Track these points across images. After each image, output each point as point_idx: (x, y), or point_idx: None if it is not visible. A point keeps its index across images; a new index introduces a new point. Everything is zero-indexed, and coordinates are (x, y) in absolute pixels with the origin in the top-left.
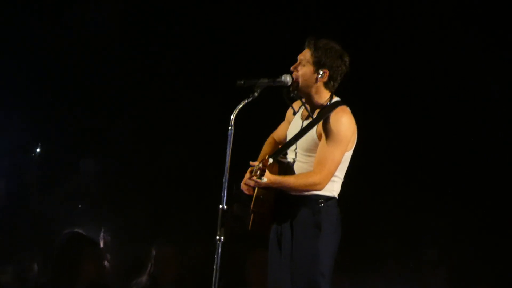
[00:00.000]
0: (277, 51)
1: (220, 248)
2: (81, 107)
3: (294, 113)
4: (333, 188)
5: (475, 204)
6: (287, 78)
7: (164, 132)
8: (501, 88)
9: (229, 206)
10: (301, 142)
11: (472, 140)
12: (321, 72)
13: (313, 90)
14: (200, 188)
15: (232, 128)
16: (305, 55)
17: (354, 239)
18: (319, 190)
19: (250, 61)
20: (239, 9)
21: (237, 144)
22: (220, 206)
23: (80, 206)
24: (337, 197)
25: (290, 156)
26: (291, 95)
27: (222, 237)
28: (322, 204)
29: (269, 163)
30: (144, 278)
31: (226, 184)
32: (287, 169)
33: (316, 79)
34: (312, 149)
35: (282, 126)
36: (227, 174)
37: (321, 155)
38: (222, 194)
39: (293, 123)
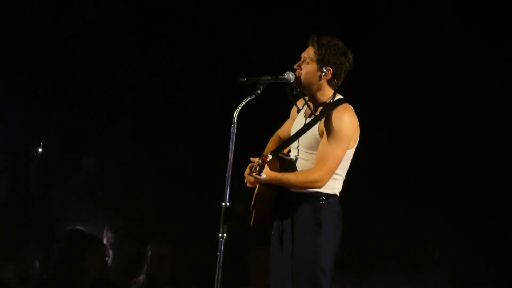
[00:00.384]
0: (280, 48)
1: (222, 246)
2: (82, 106)
3: (298, 111)
4: (334, 186)
5: (476, 202)
6: (290, 76)
7: (166, 130)
8: (502, 86)
9: (231, 204)
10: (303, 140)
11: (473, 138)
12: (324, 70)
13: (316, 88)
14: (202, 186)
15: (235, 125)
16: (309, 53)
17: (355, 237)
18: (320, 187)
19: (252, 59)
20: (242, 6)
21: (240, 141)
22: (223, 203)
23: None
24: (338, 195)
25: (292, 154)
26: (294, 92)
27: (225, 235)
28: (323, 202)
29: (268, 160)
30: (143, 277)
31: (229, 181)
32: (289, 166)
33: (320, 76)
34: (314, 147)
35: (287, 123)
36: (230, 172)
37: (322, 152)
38: (225, 191)
39: (297, 121)
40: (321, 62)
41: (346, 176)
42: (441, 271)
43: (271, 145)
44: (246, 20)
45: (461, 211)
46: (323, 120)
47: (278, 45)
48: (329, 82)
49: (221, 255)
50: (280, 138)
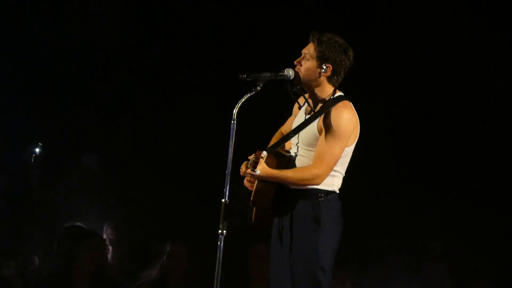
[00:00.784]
0: (280, 45)
1: (222, 242)
2: (82, 104)
3: (300, 107)
4: (333, 183)
5: (476, 199)
6: (289, 72)
7: (166, 127)
8: (503, 86)
9: (231, 201)
10: (302, 136)
11: (473, 136)
12: (324, 67)
13: (316, 85)
14: (203, 183)
15: (235, 122)
16: (309, 49)
17: (356, 234)
18: (317, 184)
19: (252, 55)
20: (242, 3)
21: (240, 138)
22: (223, 200)
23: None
24: (337, 192)
25: (292, 150)
26: (294, 89)
27: (225, 231)
28: (322, 198)
29: (262, 156)
30: (153, 272)
31: (229, 178)
32: (288, 162)
33: (319, 73)
34: (313, 144)
35: (289, 120)
36: (230, 168)
37: (321, 149)
38: (225, 188)
39: (298, 118)
40: (321, 58)
41: (347, 173)
42: (441, 268)
43: (273, 142)
44: (246, 17)
45: (461, 209)
46: (322, 117)
47: (278, 42)
48: (329, 79)
49: (221, 251)
50: (282, 135)
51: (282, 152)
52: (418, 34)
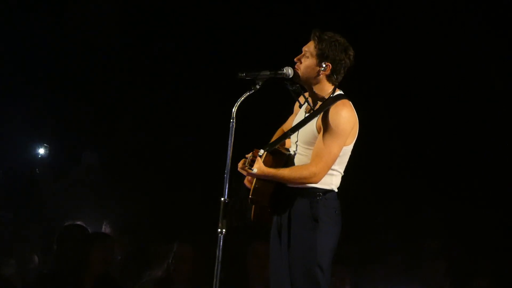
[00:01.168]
0: (280, 44)
1: (221, 241)
2: (82, 102)
3: (300, 106)
4: (331, 182)
5: (476, 199)
6: (289, 71)
7: (166, 125)
8: (503, 85)
9: (230, 199)
10: (301, 135)
11: (474, 135)
12: (324, 65)
13: (315, 83)
14: (203, 182)
15: (234, 120)
16: (309, 46)
17: (355, 233)
18: (315, 182)
19: (252, 54)
20: (241, 2)
21: (239, 136)
22: (222, 199)
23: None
24: (336, 191)
25: (291, 149)
26: (293, 87)
27: (224, 230)
28: (320, 197)
29: (260, 154)
30: (158, 272)
31: (228, 176)
32: (287, 161)
33: (319, 71)
34: (311, 142)
35: (290, 118)
36: (229, 167)
37: (319, 148)
38: (224, 187)
39: (298, 116)
40: (321, 57)
41: (346, 172)
42: (440, 267)
43: (273, 140)
44: (245, 15)
45: (461, 208)
46: (321, 115)
47: (278, 40)
48: (328, 77)
49: (220, 250)
50: (283, 133)
51: (282, 150)
52: (418, 34)
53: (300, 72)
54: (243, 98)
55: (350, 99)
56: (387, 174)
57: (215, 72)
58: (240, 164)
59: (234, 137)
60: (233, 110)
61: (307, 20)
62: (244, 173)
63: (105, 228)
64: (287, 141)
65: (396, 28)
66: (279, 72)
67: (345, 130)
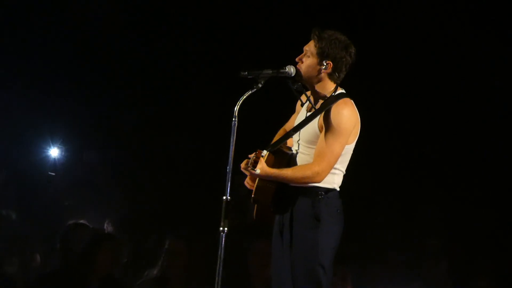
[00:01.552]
0: (282, 42)
1: (223, 239)
2: (84, 100)
3: (302, 105)
4: (333, 181)
5: (477, 198)
6: (291, 69)
7: (168, 124)
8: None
9: (232, 198)
10: (303, 134)
11: (475, 134)
12: (325, 63)
13: (317, 81)
14: (204, 180)
15: (236, 119)
16: (310, 46)
17: (356, 232)
18: (318, 182)
19: (254, 52)
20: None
21: (241, 135)
22: (224, 198)
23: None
24: (338, 189)
25: (293, 148)
26: (295, 86)
27: (226, 228)
28: (322, 196)
29: (263, 155)
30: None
31: (230, 175)
32: (290, 160)
33: (320, 70)
34: (314, 141)
35: (292, 118)
36: (231, 166)
37: (321, 147)
38: (226, 186)
39: (300, 115)
40: (321, 55)
41: (348, 171)
42: (441, 266)
43: (275, 139)
44: (247, 14)
45: (462, 207)
46: (322, 114)
47: (280, 39)
48: (330, 76)
49: (222, 248)
50: (285, 132)
51: (284, 149)
52: (419, 34)
53: (302, 71)
54: (245, 96)
55: (351, 98)
56: (388, 173)
57: (217, 70)
58: (243, 165)
59: (236, 135)
60: (235, 108)
61: (309, 19)
62: (247, 173)
63: (107, 227)
64: (289, 140)
65: (396, 28)
66: (281, 70)
67: (347, 129)
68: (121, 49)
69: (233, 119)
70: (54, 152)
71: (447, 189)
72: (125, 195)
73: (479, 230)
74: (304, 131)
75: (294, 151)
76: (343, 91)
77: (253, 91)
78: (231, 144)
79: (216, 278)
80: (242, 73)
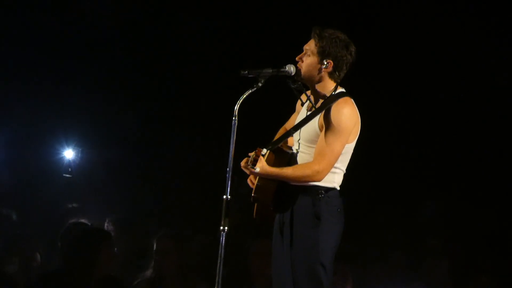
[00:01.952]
0: (283, 41)
1: (224, 239)
2: (85, 101)
3: (302, 104)
4: (334, 180)
5: (477, 197)
6: (291, 68)
7: (168, 123)
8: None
9: (232, 197)
10: (303, 133)
11: (475, 134)
12: (325, 62)
13: (317, 80)
14: (203, 179)
15: (236, 118)
16: (310, 45)
17: (357, 231)
18: (318, 181)
19: (254, 51)
20: None
21: (241, 134)
22: (224, 197)
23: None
24: (338, 188)
25: (294, 147)
26: (295, 85)
27: (226, 228)
28: (322, 195)
29: (263, 153)
30: (148, 271)
31: (230, 174)
32: (290, 159)
33: (320, 69)
34: (314, 140)
35: (293, 117)
36: (231, 165)
37: (321, 146)
38: (226, 185)
39: (300, 114)
40: (322, 54)
41: (348, 170)
42: (442, 265)
43: (276, 138)
44: (248, 13)
45: (462, 206)
46: (323, 113)
47: (280, 38)
48: (330, 74)
49: (223, 247)
50: (286, 131)
51: (284, 148)
52: (419, 34)
53: (302, 70)
54: (245, 96)
55: (352, 97)
56: (388, 172)
57: (217, 70)
58: (243, 163)
59: (236, 134)
60: (235, 107)
61: (309, 18)
62: (247, 171)
63: (108, 226)
64: (289, 139)
65: (396, 28)
66: (282, 69)
67: (347, 128)
68: (121, 50)
69: (233, 118)
70: (68, 153)
71: (447, 189)
72: (125, 195)
73: (479, 230)
74: (305, 130)
75: (294, 150)
76: (343, 90)
77: (253, 90)
78: (231, 143)
79: (217, 277)
80: (242, 72)
